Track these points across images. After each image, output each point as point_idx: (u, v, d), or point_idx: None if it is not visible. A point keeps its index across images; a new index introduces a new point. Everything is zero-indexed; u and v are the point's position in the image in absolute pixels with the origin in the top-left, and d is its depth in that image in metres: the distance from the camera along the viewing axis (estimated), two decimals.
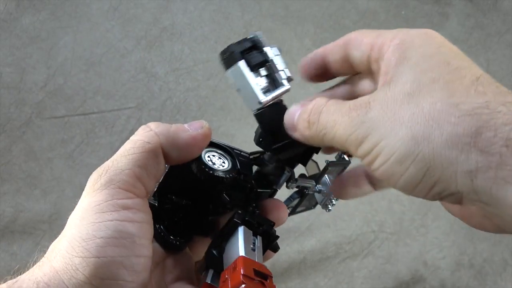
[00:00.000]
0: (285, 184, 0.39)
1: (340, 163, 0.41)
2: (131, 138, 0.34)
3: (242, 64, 0.34)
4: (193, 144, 0.33)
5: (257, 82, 0.34)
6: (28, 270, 0.30)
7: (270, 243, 0.35)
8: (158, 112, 1.05)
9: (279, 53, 0.36)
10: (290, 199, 0.42)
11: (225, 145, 0.38)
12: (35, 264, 0.30)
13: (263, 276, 0.29)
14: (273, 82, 0.35)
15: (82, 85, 1.04)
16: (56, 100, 1.03)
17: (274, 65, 0.35)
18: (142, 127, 0.34)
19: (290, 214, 0.42)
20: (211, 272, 0.34)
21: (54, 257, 0.29)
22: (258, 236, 0.34)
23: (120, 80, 1.05)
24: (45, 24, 1.04)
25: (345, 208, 1.04)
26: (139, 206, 0.31)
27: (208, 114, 1.05)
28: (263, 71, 0.35)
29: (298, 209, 0.43)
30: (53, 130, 1.02)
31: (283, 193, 0.41)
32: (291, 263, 1.01)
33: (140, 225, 0.30)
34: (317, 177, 0.41)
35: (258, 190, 0.38)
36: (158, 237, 0.37)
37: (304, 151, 0.38)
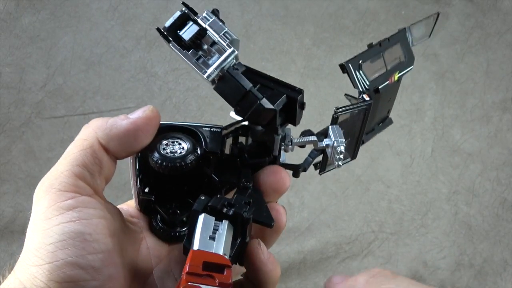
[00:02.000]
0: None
1: (357, 106, 0.37)
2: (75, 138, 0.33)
3: (173, 45, 0.33)
4: (134, 130, 0.33)
5: (197, 58, 0.33)
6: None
7: (244, 224, 0.32)
8: None
9: (211, 18, 0.34)
10: (309, 158, 0.38)
11: (188, 125, 0.36)
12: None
13: (216, 267, 0.28)
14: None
15: (81, 85, 1.04)
16: (56, 100, 1.03)
17: (210, 34, 0.33)
18: (84, 125, 0.34)
19: (320, 172, 0.38)
20: None
21: (17, 268, 0.30)
22: (224, 221, 0.31)
23: (120, 80, 1.05)
24: (44, 24, 1.04)
25: (345, 208, 1.04)
26: (85, 203, 0.30)
27: (208, 114, 1.05)
28: (204, 42, 0.34)
29: (329, 167, 0.38)
30: (53, 130, 1.01)
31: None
32: (291, 263, 1.01)
33: (89, 221, 0.29)
34: (322, 131, 0.38)
35: (250, 161, 0.36)
36: (155, 231, 0.37)
37: (281, 109, 0.36)
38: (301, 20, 1.10)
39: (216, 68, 0.34)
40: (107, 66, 1.05)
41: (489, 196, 1.08)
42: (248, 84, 0.33)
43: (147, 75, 1.06)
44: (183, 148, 0.34)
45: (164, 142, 0.35)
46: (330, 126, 0.36)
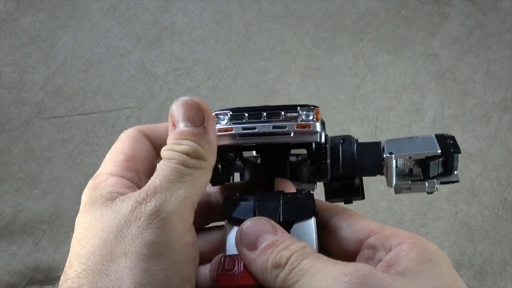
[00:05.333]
0: None
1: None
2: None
3: None
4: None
5: None
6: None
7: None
8: (157, 112, 1.05)
9: None
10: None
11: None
12: None
13: None
14: None
15: (81, 85, 1.04)
16: (56, 100, 1.03)
17: None
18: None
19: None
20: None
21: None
22: None
23: (120, 80, 1.05)
24: (44, 23, 1.04)
25: None
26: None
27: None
28: None
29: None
30: (53, 130, 1.01)
31: None
32: None
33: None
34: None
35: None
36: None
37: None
38: (301, 20, 1.10)
39: None
40: (107, 66, 1.05)
41: (489, 196, 1.08)
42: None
43: (147, 75, 1.06)
44: None
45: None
46: None
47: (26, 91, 1.02)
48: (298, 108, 0.29)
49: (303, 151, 0.33)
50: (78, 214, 0.29)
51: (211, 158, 0.29)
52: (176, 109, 0.30)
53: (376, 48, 1.10)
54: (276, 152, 0.32)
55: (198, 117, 0.29)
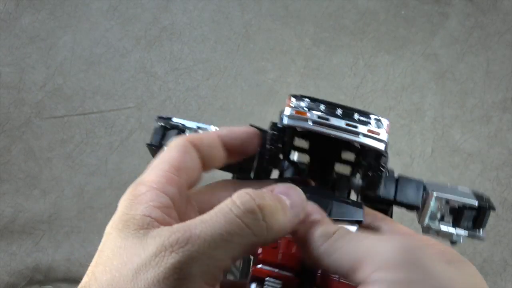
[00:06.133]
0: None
1: None
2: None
3: None
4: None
5: None
6: None
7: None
8: (157, 112, 1.05)
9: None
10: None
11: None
12: None
13: None
14: None
15: (81, 85, 1.04)
16: (56, 100, 1.02)
17: None
18: (250, 201, 0.28)
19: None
20: None
21: None
22: None
23: (120, 80, 1.05)
24: (44, 24, 1.04)
25: None
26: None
27: (208, 114, 1.05)
28: None
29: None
30: (53, 130, 1.01)
31: None
32: None
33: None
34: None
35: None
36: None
37: None
38: (301, 20, 1.10)
39: None
40: (107, 66, 1.05)
41: (489, 196, 1.08)
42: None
43: (147, 75, 1.05)
44: None
45: None
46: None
47: (26, 91, 1.02)
48: (371, 115, 0.30)
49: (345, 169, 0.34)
50: (111, 223, 0.27)
51: (270, 237, 0.26)
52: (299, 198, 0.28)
53: (376, 48, 1.09)
54: (329, 153, 0.33)
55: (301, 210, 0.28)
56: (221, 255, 0.24)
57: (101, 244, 0.26)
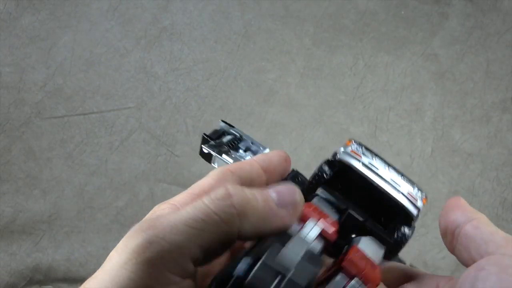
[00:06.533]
0: None
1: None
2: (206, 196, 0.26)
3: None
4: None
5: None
6: None
7: None
8: (157, 112, 1.05)
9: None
10: None
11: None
12: None
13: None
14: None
15: (81, 85, 1.04)
16: (56, 100, 1.02)
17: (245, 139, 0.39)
18: (222, 190, 0.26)
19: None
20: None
21: None
22: None
23: (120, 80, 1.05)
24: (44, 24, 1.04)
25: None
26: None
27: (208, 114, 1.05)
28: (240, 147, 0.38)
29: None
30: (53, 130, 1.01)
31: None
32: None
33: None
34: None
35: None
36: None
37: None
38: (301, 20, 1.10)
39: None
40: (107, 66, 1.05)
41: (489, 196, 1.08)
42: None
43: (147, 75, 1.05)
44: None
45: None
46: None
47: (26, 91, 1.02)
48: (415, 184, 0.33)
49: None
50: (126, 240, 0.25)
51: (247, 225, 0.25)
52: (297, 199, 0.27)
53: (376, 48, 1.10)
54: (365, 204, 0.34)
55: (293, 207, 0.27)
56: (185, 243, 0.22)
57: (110, 261, 0.24)
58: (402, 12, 1.12)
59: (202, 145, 0.36)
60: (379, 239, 0.32)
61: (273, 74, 1.06)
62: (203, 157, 0.36)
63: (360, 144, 0.32)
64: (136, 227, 0.23)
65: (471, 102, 1.11)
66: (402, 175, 0.32)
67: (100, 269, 0.24)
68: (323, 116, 1.05)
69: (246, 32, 1.08)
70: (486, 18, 1.13)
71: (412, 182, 0.32)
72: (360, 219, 0.31)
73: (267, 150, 0.37)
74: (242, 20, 1.09)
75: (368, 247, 0.29)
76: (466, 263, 0.27)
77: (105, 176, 0.99)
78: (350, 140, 0.32)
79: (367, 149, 0.32)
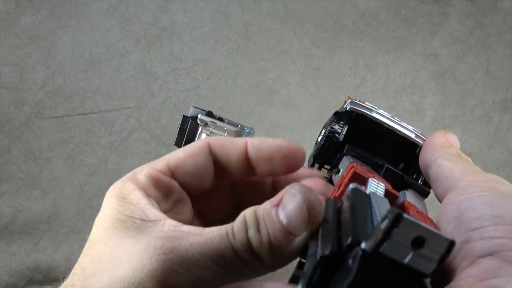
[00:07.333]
0: None
1: None
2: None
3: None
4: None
5: None
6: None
7: None
8: (157, 112, 1.04)
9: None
10: None
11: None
12: None
13: None
14: None
15: (81, 85, 1.03)
16: (56, 100, 1.02)
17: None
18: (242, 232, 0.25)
19: None
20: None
21: None
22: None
23: (120, 80, 1.04)
24: (44, 23, 1.04)
25: None
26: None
27: None
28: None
29: None
30: (53, 130, 1.01)
31: None
32: (293, 262, 1.00)
33: None
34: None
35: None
36: None
37: None
38: (301, 20, 1.10)
39: None
40: (107, 66, 1.05)
41: None
42: None
43: (147, 75, 1.05)
44: None
45: None
46: None
47: (26, 91, 1.02)
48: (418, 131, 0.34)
49: None
50: (105, 219, 0.26)
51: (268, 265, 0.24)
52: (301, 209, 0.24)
53: (376, 48, 1.09)
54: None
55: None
56: (206, 276, 0.22)
57: (92, 235, 0.25)
58: (403, 12, 1.12)
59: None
60: (416, 189, 0.31)
61: (273, 74, 1.06)
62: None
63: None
64: (150, 244, 0.22)
65: (471, 102, 1.11)
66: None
67: (106, 269, 0.23)
68: (323, 116, 1.05)
69: (246, 32, 1.08)
70: (487, 18, 1.13)
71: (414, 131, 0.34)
72: (399, 172, 0.30)
73: (253, 130, 0.36)
74: (242, 20, 1.08)
75: (414, 201, 0.29)
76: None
77: (105, 176, 0.99)
78: (349, 97, 0.31)
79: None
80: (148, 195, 0.27)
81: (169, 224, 0.24)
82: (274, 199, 0.24)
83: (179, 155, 0.28)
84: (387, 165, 0.30)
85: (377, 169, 0.30)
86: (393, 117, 0.31)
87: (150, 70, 1.06)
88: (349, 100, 0.31)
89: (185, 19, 1.09)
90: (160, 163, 0.28)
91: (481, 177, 0.25)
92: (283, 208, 0.23)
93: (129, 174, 0.28)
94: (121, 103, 1.04)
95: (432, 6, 1.12)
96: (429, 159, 0.29)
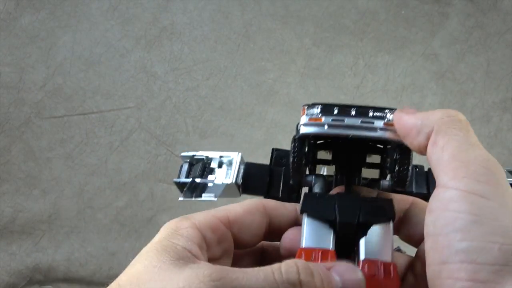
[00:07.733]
0: None
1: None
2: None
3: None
4: None
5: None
6: None
7: None
8: (157, 112, 1.04)
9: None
10: None
11: None
12: None
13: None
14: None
15: (81, 84, 1.03)
16: (56, 100, 1.02)
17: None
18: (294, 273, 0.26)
19: None
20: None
21: None
22: None
23: (120, 79, 1.04)
24: (44, 23, 1.04)
25: None
26: None
27: (208, 114, 1.05)
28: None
29: None
30: (52, 130, 1.01)
31: None
32: None
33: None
34: None
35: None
36: None
37: None
38: (301, 20, 1.10)
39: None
40: (107, 66, 1.05)
41: None
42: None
43: (147, 75, 1.05)
44: None
45: None
46: None
47: (26, 91, 1.02)
48: (387, 110, 0.31)
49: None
50: (150, 245, 0.26)
51: None
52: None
53: (376, 48, 1.09)
54: (354, 153, 0.33)
55: None
56: None
57: (135, 259, 0.26)
58: (403, 12, 1.12)
59: (180, 198, 0.35)
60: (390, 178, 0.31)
61: (273, 74, 1.06)
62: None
63: (314, 106, 0.30)
64: (200, 272, 0.23)
65: (471, 101, 1.11)
66: (367, 109, 0.30)
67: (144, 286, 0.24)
68: None
69: (246, 32, 1.08)
70: (486, 18, 1.13)
71: (381, 110, 0.31)
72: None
73: (238, 155, 0.36)
74: (242, 20, 1.09)
75: (376, 239, 0.28)
76: None
77: (105, 176, 0.99)
78: (303, 108, 0.30)
79: (322, 106, 0.30)
80: (203, 236, 0.28)
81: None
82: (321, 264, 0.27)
83: (237, 210, 0.30)
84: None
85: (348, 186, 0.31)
86: (356, 112, 0.29)
87: (150, 70, 1.06)
88: (301, 123, 0.31)
89: (185, 19, 1.09)
90: (221, 213, 0.29)
91: (466, 181, 0.26)
92: (338, 274, 0.26)
93: (188, 215, 0.29)
94: (121, 103, 1.04)
95: (432, 6, 1.12)
96: (421, 140, 0.30)
